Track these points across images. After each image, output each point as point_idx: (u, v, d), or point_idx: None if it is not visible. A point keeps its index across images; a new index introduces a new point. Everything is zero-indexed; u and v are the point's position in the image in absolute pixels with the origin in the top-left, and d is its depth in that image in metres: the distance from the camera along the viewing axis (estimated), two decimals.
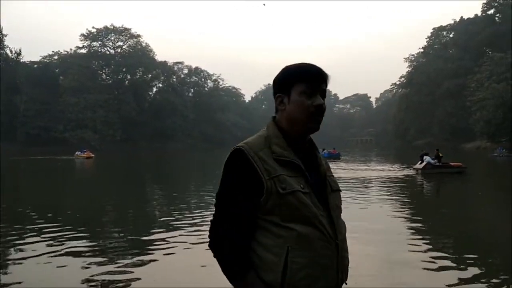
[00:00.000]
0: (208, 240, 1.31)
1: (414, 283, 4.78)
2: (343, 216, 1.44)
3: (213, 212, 1.32)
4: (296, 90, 1.32)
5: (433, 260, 5.59)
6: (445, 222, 8.61)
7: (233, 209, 1.26)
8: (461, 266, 5.34)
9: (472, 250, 6.23)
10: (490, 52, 58.23)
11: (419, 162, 19.89)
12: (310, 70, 1.33)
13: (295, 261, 1.23)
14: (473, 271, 5.13)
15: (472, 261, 5.56)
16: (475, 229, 8.07)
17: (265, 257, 1.25)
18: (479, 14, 69.25)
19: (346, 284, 1.38)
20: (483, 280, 4.78)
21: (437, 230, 7.87)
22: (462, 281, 4.76)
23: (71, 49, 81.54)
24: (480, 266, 5.36)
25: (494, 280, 4.82)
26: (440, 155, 20.21)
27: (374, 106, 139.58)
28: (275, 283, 1.23)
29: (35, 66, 75.13)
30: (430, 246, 6.41)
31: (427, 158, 19.49)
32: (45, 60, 78.52)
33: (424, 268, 5.20)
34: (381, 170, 21.41)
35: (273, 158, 1.28)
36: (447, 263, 5.52)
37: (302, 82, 1.31)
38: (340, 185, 1.47)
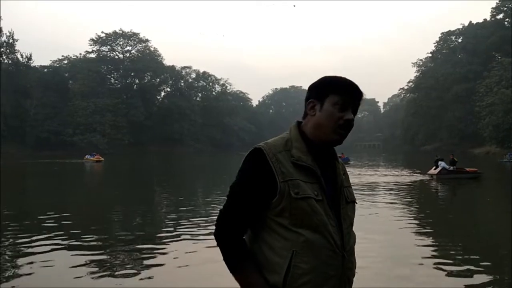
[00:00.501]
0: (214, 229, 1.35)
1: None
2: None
3: (224, 203, 1.35)
4: (331, 100, 1.35)
5: (439, 266, 5.58)
6: (455, 228, 8.56)
7: (241, 205, 1.30)
8: (469, 273, 5.31)
9: (481, 256, 6.20)
10: (499, 57, 57.71)
11: (434, 167, 19.76)
12: (347, 84, 1.37)
13: (299, 266, 1.25)
14: (479, 277, 5.11)
15: (481, 268, 5.54)
16: (485, 235, 8.02)
17: (271, 258, 1.28)
18: (488, 18, 68.86)
19: None
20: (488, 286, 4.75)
21: (447, 236, 7.83)
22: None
23: (80, 54, 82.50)
24: (488, 272, 5.33)
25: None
26: (455, 160, 20.11)
27: (382, 111, 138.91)
28: (277, 284, 1.26)
29: (45, 70, 75.93)
30: (440, 254, 6.38)
31: (442, 164, 19.40)
32: (55, 65, 79.35)
33: (432, 275, 5.18)
34: (392, 175, 21.17)
35: (291, 162, 1.30)
36: (454, 268, 5.50)
37: (337, 94, 1.34)
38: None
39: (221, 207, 1.35)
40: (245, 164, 1.33)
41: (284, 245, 1.27)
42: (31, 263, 5.67)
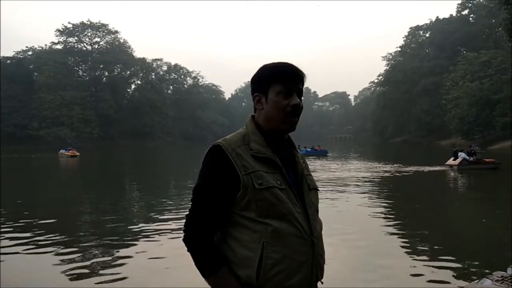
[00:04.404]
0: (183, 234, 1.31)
1: (396, 284, 4.74)
2: (326, 214, 1.46)
3: (189, 207, 1.33)
4: (273, 90, 1.34)
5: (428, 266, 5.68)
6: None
7: (208, 206, 1.27)
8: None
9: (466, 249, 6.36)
10: (464, 52, 59.53)
11: (452, 158, 20.45)
12: (286, 71, 1.35)
13: (270, 256, 1.24)
14: (452, 271, 5.24)
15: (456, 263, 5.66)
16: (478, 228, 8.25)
17: (240, 252, 1.27)
18: (454, 14, 70.80)
19: (322, 283, 1.39)
20: (463, 278, 4.83)
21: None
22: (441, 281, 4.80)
23: (46, 45, 79.63)
24: (463, 266, 5.45)
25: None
26: (473, 151, 20.72)
27: (353, 103, 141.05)
28: (250, 279, 1.24)
29: (8, 61, 72.81)
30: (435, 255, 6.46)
31: (462, 154, 20.06)
32: (18, 56, 76.25)
33: (410, 273, 5.20)
34: (406, 168, 20.46)
35: (251, 155, 1.30)
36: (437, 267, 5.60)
37: (279, 83, 1.33)
38: (353, 186, 1.48)
39: (187, 212, 1.32)
40: (205, 162, 1.31)
41: (253, 237, 1.25)
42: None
